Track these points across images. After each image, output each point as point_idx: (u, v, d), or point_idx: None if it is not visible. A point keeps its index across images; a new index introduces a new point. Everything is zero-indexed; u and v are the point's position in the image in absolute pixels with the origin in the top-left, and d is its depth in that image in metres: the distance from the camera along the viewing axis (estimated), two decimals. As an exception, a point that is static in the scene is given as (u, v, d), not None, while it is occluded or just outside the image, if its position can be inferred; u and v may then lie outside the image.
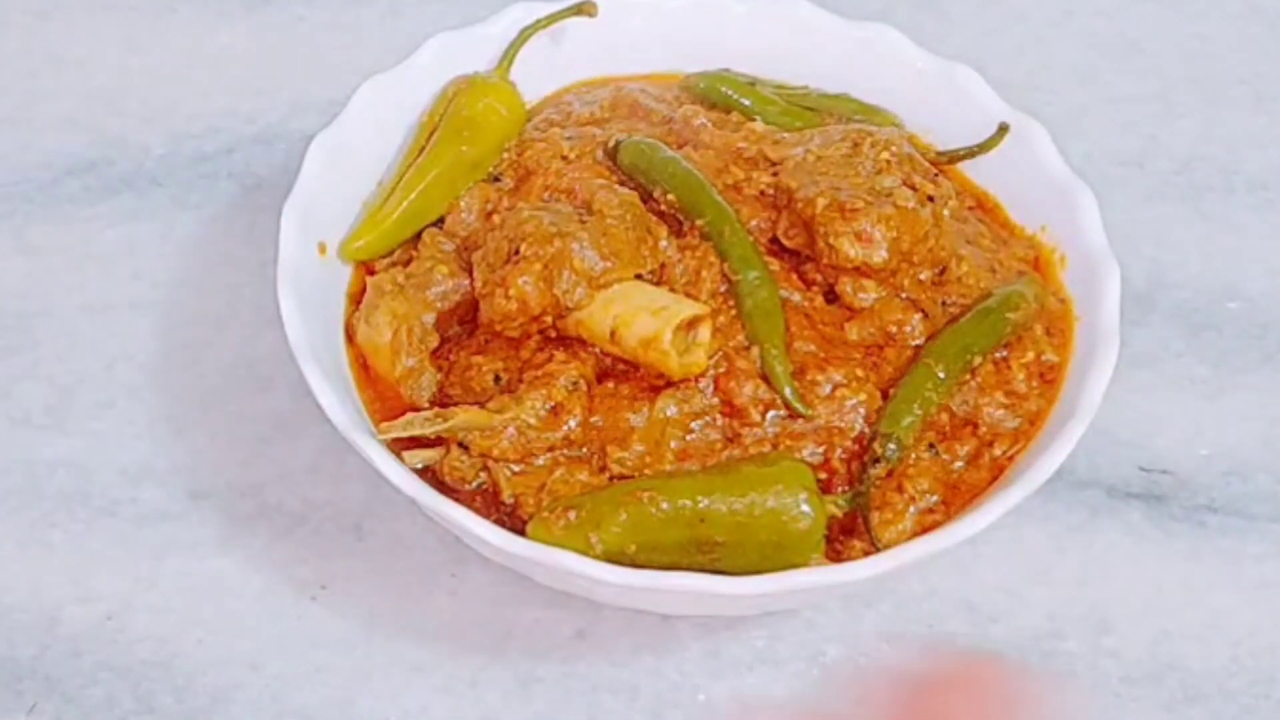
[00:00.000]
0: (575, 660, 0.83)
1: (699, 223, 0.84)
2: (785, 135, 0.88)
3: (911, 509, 0.80)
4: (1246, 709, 0.82)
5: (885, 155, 0.84)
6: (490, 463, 0.80)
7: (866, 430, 0.81)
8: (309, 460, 0.88)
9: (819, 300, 0.84)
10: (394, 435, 0.78)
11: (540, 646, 0.83)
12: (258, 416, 0.90)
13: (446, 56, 0.92)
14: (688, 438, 0.80)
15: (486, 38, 0.93)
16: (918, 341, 0.83)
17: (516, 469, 0.80)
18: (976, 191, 0.91)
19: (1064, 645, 0.84)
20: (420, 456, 0.80)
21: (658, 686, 0.82)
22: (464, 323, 0.85)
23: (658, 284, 0.83)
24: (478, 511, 0.77)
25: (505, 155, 0.90)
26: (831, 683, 0.82)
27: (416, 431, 0.79)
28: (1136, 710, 0.82)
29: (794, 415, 0.81)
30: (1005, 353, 0.84)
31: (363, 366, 0.84)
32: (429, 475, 0.80)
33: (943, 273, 0.85)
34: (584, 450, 0.80)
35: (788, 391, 0.80)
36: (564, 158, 0.88)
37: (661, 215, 0.85)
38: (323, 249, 0.86)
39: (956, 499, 0.81)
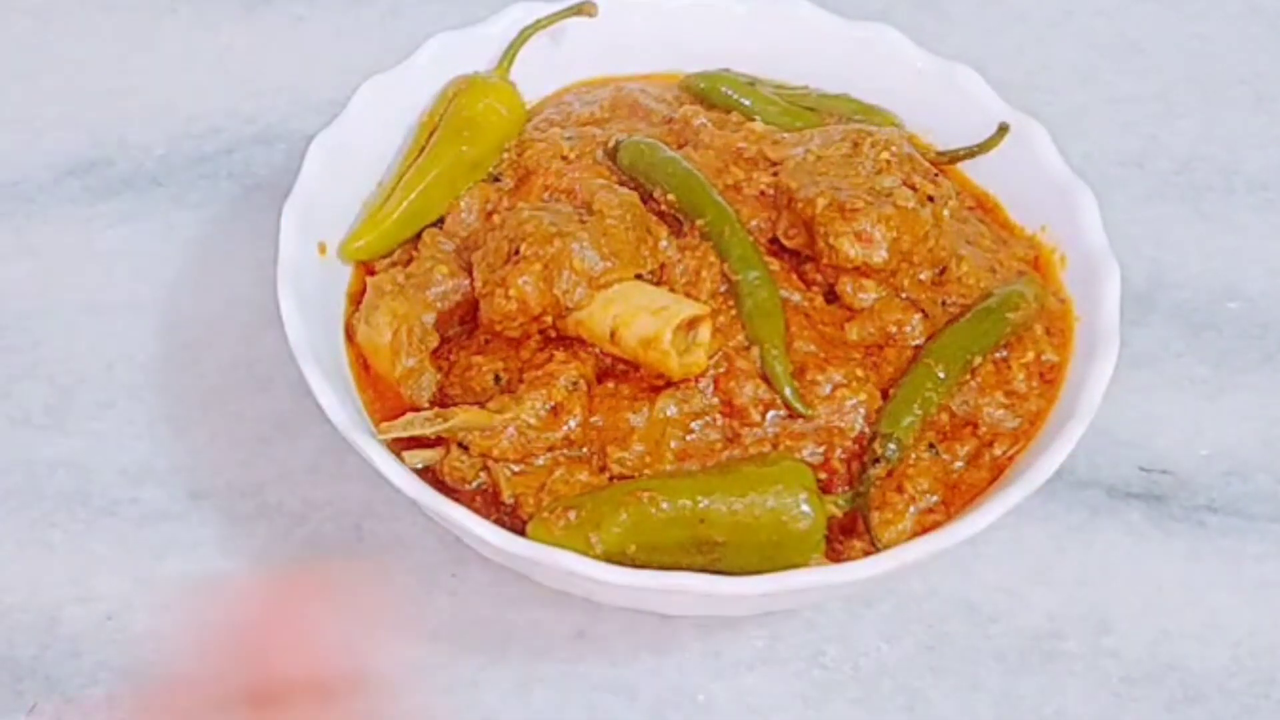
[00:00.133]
0: (575, 660, 0.83)
1: (699, 223, 0.84)
2: (785, 135, 0.88)
3: (911, 509, 0.80)
4: (1246, 709, 0.82)
5: (885, 155, 0.84)
6: (490, 463, 0.80)
7: (866, 430, 0.81)
8: (309, 460, 0.88)
9: (819, 300, 0.84)
10: (394, 435, 0.78)
11: (540, 646, 0.83)
12: (258, 416, 0.90)
13: (446, 56, 0.92)
14: (688, 438, 0.80)
15: (486, 38, 0.93)
16: (918, 341, 0.83)
17: (516, 469, 0.80)
18: (976, 191, 0.91)
19: (1064, 645, 0.84)
20: (420, 456, 0.80)
21: (658, 686, 0.82)
22: (464, 323, 0.85)
23: (658, 284, 0.83)
24: (478, 511, 0.77)
25: (505, 155, 0.90)
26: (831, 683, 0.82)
27: (416, 431, 0.79)
28: (1136, 710, 0.82)
29: (794, 415, 0.80)
30: (1005, 353, 0.84)
31: (363, 366, 0.84)
32: (429, 475, 0.80)
33: (943, 273, 0.85)
34: (584, 450, 0.80)
35: (788, 391, 0.80)
36: (564, 158, 0.88)
37: (661, 215, 0.85)
38: (323, 249, 0.86)
39: (956, 499, 0.81)
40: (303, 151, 0.87)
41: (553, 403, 0.80)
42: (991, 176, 0.91)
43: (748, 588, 0.74)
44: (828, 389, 0.81)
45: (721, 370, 0.81)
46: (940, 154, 0.91)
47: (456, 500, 0.78)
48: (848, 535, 0.79)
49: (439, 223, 0.88)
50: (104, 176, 1.00)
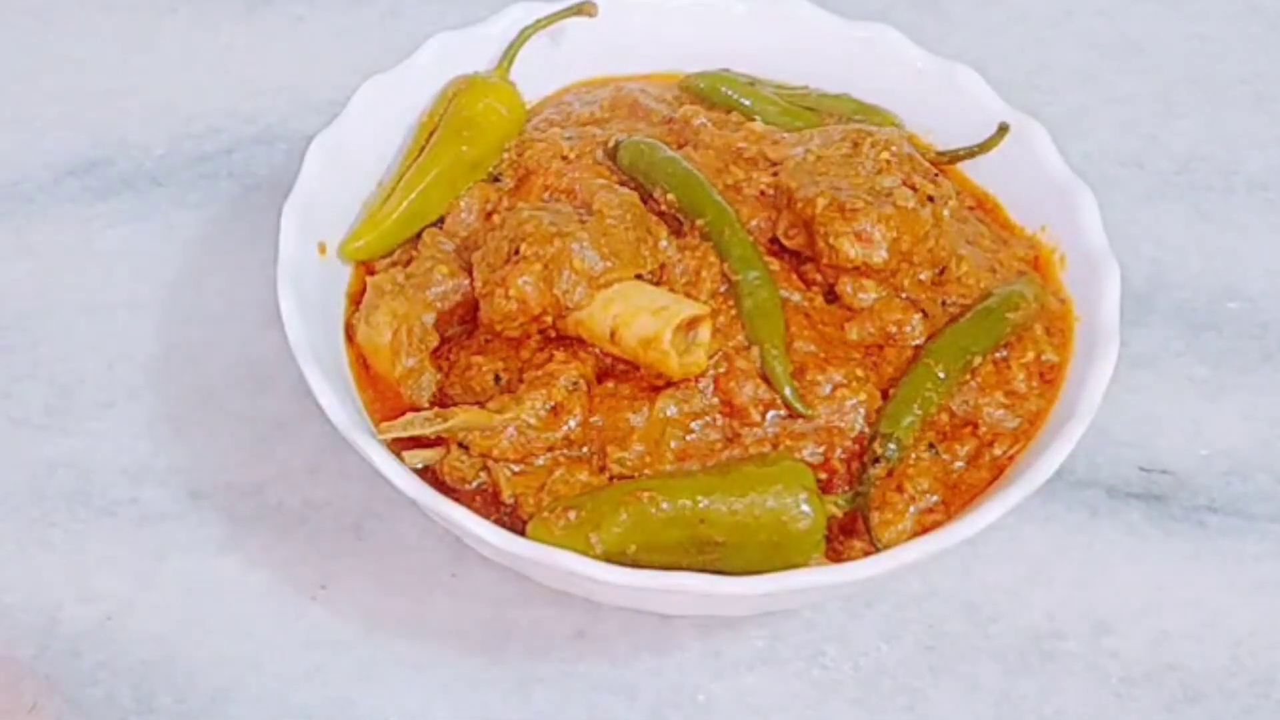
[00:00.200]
0: (575, 660, 0.83)
1: (699, 223, 0.84)
2: (785, 135, 0.88)
3: (911, 509, 0.80)
4: (1246, 709, 0.82)
5: (885, 155, 0.84)
6: (490, 463, 0.80)
7: (866, 430, 0.81)
8: (309, 460, 0.88)
9: (819, 300, 0.84)
10: (394, 435, 0.78)
11: (540, 646, 0.83)
12: (258, 416, 0.90)
13: (446, 56, 0.92)
14: (688, 438, 0.80)
15: (486, 38, 0.93)
16: (918, 341, 0.83)
17: (516, 469, 0.80)
18: (976, 191, 0.91)
19: (1064, 645, 0.84)
20: (420, 456, 0.80)
21: (658, 686, 0.82)
22: (464, 323, 0.85)
23: (658, 284, 0.83)
24: (478, 511, 0.77)
25: (505, 155, 0.90)
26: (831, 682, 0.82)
27: (416, 431, 0.79)
28: (1136, 710, 0.82)
29: (794, 415, 0.80)
30: (1005, 353, 0.84)
31: (363, 366, 0.84)
32: (429, 475, 0.80)
33: (943, 273, 0.85)
34: (584, 450, 0.80)
35: (788, 391, 0.80)
36: (564, 158, 0.88)
37: (661, 215, 0.85)
38: (323, 249, 0.86)
39: (956, 499, 0.81)
40: (303, 151, 0.87)
41: (553, 403, 0.80)
42: (991, 176, 0.91)
43: (748, 588, 0.74)
44: (828, 389, 0.81)
45: (721, 370, 0.81)
46: (940, 154, 0.91)
47: (456, 500, 0.78)
48: (848, 535, 0.79)
49: (439, 223, 0.88)
50: (104, 176, 1.00)
